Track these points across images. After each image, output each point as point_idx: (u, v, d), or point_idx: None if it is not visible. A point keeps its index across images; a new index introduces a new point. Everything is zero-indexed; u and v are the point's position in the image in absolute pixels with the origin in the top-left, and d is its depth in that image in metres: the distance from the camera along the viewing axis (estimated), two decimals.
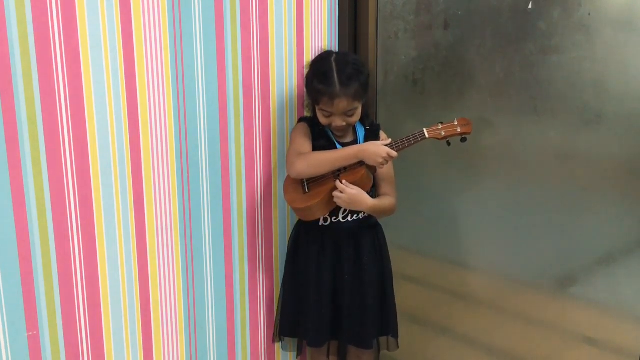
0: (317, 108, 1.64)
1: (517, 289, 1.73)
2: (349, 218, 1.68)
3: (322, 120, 1.64)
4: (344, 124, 1.62)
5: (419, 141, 1.57)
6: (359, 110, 1.64)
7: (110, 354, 1.49)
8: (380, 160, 1.56)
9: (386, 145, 1.57)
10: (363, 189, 1.61)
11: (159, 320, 1.59)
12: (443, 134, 1.57)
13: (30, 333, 1.32)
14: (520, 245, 1.70)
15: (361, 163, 1.59)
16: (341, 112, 1.59)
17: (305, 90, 1.70)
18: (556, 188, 1.60)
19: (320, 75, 1.59)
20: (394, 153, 1.56)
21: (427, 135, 1.56)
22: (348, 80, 1.56)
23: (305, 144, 1.67)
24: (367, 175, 1.61)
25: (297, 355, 1.88)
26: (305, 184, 1.66)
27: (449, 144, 1.59)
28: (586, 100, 1.50)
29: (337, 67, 1.58)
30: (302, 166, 1.61)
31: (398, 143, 1.58)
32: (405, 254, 1.83)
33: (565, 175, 1.58)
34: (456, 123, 1.58)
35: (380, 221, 1.78)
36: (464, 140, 1.58)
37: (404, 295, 1.89)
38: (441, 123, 1.58)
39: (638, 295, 1.50)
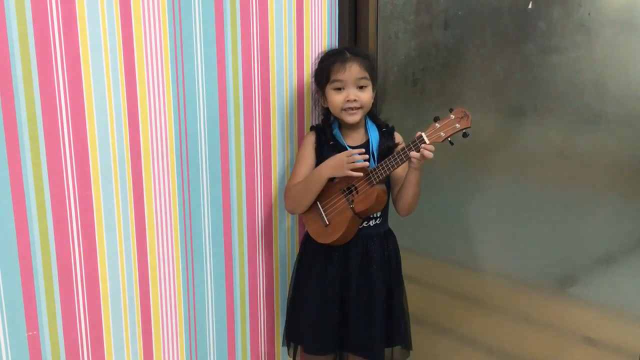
0: (328, 89, 1.63)
1: (517, 289, 1.73)
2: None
3: (335, 99, 1.61)
4: (356, 99, 1.60)
5: (407, 157, 1.51)
6: (370, 91, 1.63)
7: (110, 354, 1.49)
8: (346, 165, 1.54)
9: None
10: (380, 206, 1.60)
11: (159, 320, 1.59)
12: (443, 135, 1.48)
13: (30, 333, 1.32)
14: (520, 245, 1.70)
15: (371, 183, 1.56)
16: (354, 79, 1.59)
17: (315, 82, 1.70)
18: (556, 188, 1.61)
19: (329, 53, 1.69)
20: (352, 153, 1.53)
21: (427, 141, 1.48)
22: (357, 52, 1.65)
23: (301, 172, 1.67)
24: (382, 193, 1.59)
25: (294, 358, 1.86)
26: (323, 214, 1.64)
27: (451, 143, 1.49)
28: (586, 100, 1.51)
29: (346, 46, 1.79)
30: (289, 206, 1.72)
31: (384, 165, 1.53)
32: (405, 254, 1.83)
33: (565, 175, 1.58)
34: (453, 117, 1.48)
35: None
36: (465, 135, 1.46)
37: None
38: (437, 120, 1.50)
39: (638, 295, 1.50)
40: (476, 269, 1.82)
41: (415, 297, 1.96)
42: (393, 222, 1.75)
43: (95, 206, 1.41)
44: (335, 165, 1.56)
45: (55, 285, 1.35)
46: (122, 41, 1.40)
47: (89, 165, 1.38)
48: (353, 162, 1.54)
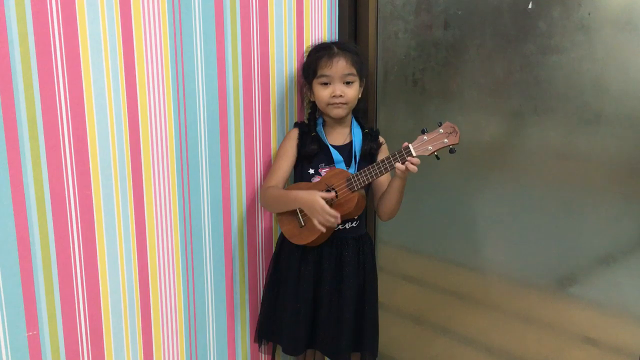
0: (315, 83, 1.63)
1: (517, 289, 1.73)
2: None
3: (321, 94, 1.62)
4: (342, 95, 1.60)
5: (388, 170, 1.49)
6: (357, 87, 1.63)
7: (110, 354, 1.49)
8: (319, 215, 1.51)
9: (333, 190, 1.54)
10: (359, 211, 1.60)
11: (159, 320, 1.59)
12: (430, 149, 1.46)
13: (30, 333, 1.32)
14: (520, 245, 1.70)
15: (352, 189, 1.55)
16: (340, 75, 1.59)
17: (302, 75, 1.70)
18: (556, 188, 1.61)
19: (318, 47, 1.69)
20: (332, 213, 1.50)
21: (414, 154, 1.46)
22: (345, 47, 1.65)
23: (282, 167, 1.66)
24: (362, 199, 1.59)
25: (272, 358, 1.85)
26: (299, 215, 1.63)
27: (437, 157, 1.48)
28: (586, 100, 1.51)
29: (334, 41, 1.80)
30: (262, 203, 1.75)
31: (367, 173, 1.52)
32: (405, 253, 1.83)
33: (565, 175, 1.58)
34: (442, 131, 1.46)
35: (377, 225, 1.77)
36: (452, 151, 1.46)
37: (404, 296, 1.89)
38: (425, 132, 1.48)
39: (638, 295, 1.50)
40: (476, 268, 1.82)
41: (415, 297, 1.96)
42: (392, 222, 1.75)
43: (95, 206, 1.41)
44: (311, 206, 1.53)
45: (55, 285, 1.35)
46: (122, 41, 1.40)
47: (89, 165, 1.38)
48: (323, 221, 1.52)
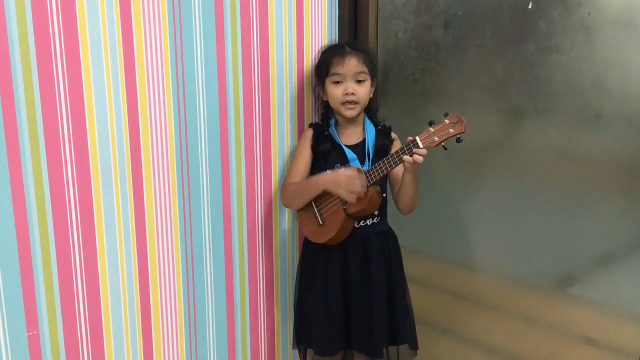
0: (327, 82, 1.65)
1: (517, 289, 1.73)
2: (356, 225, 1.66)
3: (334, 92, 1.63)
4: (354, 93, 1.61)
5: (400, 161, 1.51)
6: (369, 86, 1.65)
7: (110, 354, 1.49)
8: (343, 186, 1.53)
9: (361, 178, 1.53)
10: (373, 207, 1.61)
11: (159, 320, 1.59)
12: (437, 139, 1.48)
13: (30, 333, 1.32)
14: (520, 245, 1.70)
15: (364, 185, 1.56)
16: (352, 73, 1.61)
17: (315, 75, 1.73)
18: (556, 188, 1.61)
19: (330, 47, 1.73)
20: (354, 177, 1.52)
21: (420, 146, 1.48)
22: (357, 46, 1.68)
23: (299, 167, 1.69)
24: (376, 195, 1.59)
25: None
26: (317, 213, 1.65)
27: (445, 148, 1.51)
28: (586, 100, 1.51)
29: (347, 41, 1.80)
30: (284, 202, 1.75)
31: (377, 168, 1.53)
32: (406, 254, 1.83)
33: (565, 175, 1.58)
34: (447, 122, 1.48)
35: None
36: (459, 141, 1.49)
37: None
38: (432, 124, 1.50)
39: (638, 295, 1.50)
40: (476, 269, 1.82)
41: (415, 297, 1.96)
42: (394, 222, 1.75)
43: (95, 206, 1.41)
44: (333, 181, 1.57)
45: (55, 285, 1.35)
46: (122, 41, 1.40)
47: (89, 165, 1.37)
48: (350, 189, 1.53)
